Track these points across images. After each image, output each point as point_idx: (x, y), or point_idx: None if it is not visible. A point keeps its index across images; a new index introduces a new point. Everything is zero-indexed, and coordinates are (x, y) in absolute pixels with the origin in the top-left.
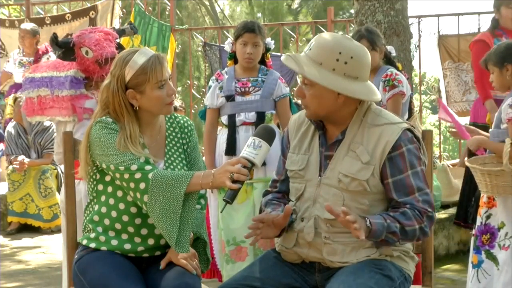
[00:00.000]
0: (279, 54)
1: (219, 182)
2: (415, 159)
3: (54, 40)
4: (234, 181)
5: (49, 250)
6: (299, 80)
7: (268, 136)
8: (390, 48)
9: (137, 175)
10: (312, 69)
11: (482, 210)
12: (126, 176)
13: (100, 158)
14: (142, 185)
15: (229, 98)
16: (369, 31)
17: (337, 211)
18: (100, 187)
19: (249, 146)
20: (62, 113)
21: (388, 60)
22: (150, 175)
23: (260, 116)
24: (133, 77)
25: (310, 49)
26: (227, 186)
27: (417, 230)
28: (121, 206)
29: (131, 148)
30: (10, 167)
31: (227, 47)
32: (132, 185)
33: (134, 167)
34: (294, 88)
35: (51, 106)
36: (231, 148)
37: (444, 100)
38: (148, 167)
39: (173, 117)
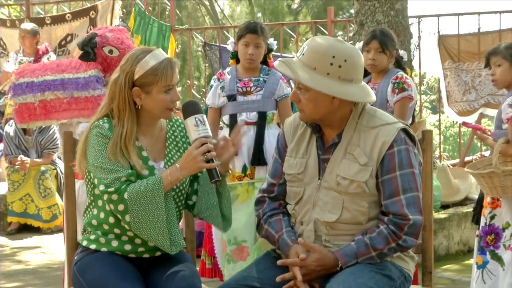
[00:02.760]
0: (279, 54)
1: (195, 169)
2: (405, 160)
3: (89, 40)
4: (207, 161)
5: (49, 250)
6: (293, 85)
7: (198, 108)
8: (402, 53)
9: (114, 197)
10: (306, 75)
11: (486, 211)
12: (105, 197)
13: (88, 164)
14: (120, 207)
15: (231, 97)
16: (383, 33)
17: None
18: (97, 191)
19: (197, 125)
20: (84, 114)
21: (399, 65)
22: (125, 195)
23: (262, 116)
24: (142, 76)
25: (303, 54)
26: (205, 168)
27: (394, 247)
28: None
29: (120, 156)
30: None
31: (230, 46)
32: (111, 206)
33: (111, 189)
34: None
35: (66, 109)
36: None
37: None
38: (123, 186)
39: (173, 119)
